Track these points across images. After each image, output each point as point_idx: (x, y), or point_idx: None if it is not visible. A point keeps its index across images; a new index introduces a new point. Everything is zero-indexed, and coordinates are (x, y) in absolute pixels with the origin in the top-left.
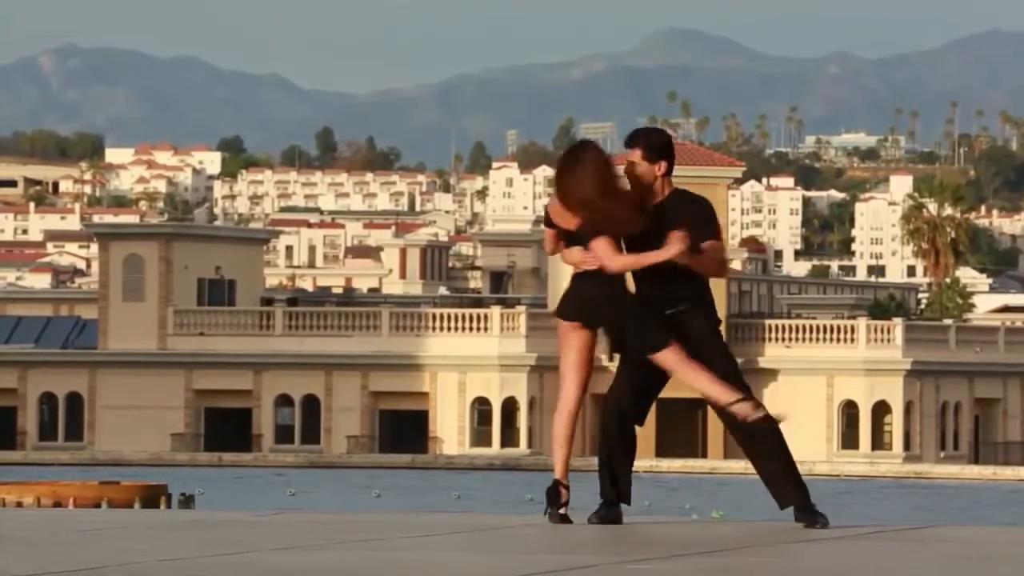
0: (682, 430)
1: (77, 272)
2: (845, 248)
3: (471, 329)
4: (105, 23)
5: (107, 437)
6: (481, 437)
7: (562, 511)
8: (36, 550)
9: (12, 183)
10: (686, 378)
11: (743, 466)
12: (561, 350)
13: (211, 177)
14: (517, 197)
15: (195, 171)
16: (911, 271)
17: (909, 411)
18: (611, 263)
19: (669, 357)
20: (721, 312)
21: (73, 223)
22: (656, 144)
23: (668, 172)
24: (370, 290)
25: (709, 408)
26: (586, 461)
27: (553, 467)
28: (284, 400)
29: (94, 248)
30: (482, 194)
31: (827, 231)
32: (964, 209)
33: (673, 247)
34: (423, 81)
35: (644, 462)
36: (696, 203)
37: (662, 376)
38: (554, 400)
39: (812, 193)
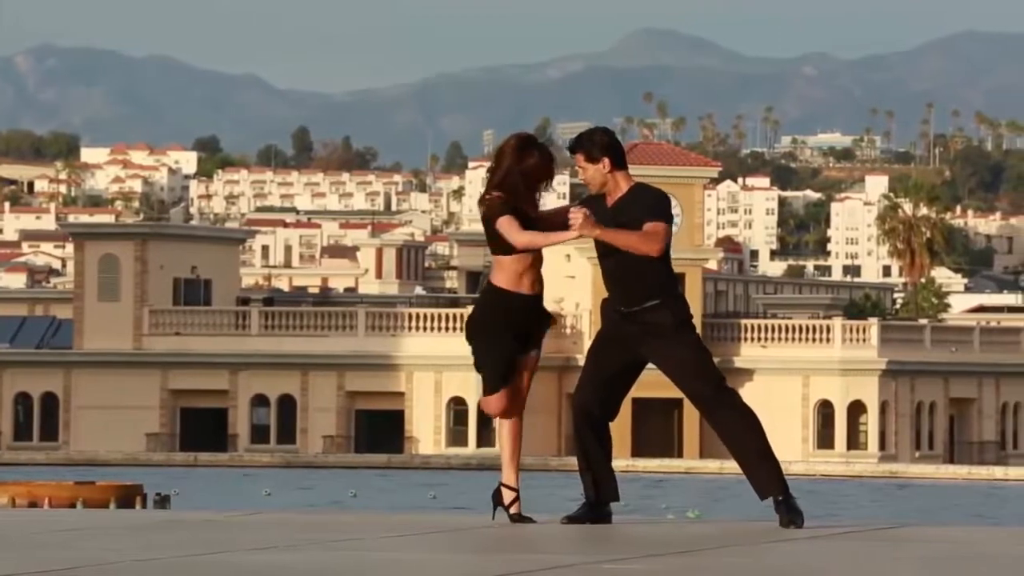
0: (658, 429)
1: (52, 272)
2: (821, 248)
3: (447, 329)
4: (82, 23)
5: (82, 437)
6: (457, 437)
7: (512, 511)
8: (11, 551)
9: None
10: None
11: (719, 466)
12: None
13: (187, 177)
14: None
15: (171, 171)
16: (887, 271)
17: (884, 411)
18: (515, 239)
19: (491, 402)
20: (696, 312)
21: (48, 223)
22: (596, 143)
23: (616, 166)
24: (346, 290)
25: (685, 407)
26: (562, 461)
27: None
28: (260, 400)
29: (69, 248)
30: (458, 194)
31: (803, 231)
32: (939, 209)
33: (573, 228)
34: (399, 81)
35: (620, 462)
36: (648, 194)
37: (629, 374)
38: (530, 400)
39: (788, 193)
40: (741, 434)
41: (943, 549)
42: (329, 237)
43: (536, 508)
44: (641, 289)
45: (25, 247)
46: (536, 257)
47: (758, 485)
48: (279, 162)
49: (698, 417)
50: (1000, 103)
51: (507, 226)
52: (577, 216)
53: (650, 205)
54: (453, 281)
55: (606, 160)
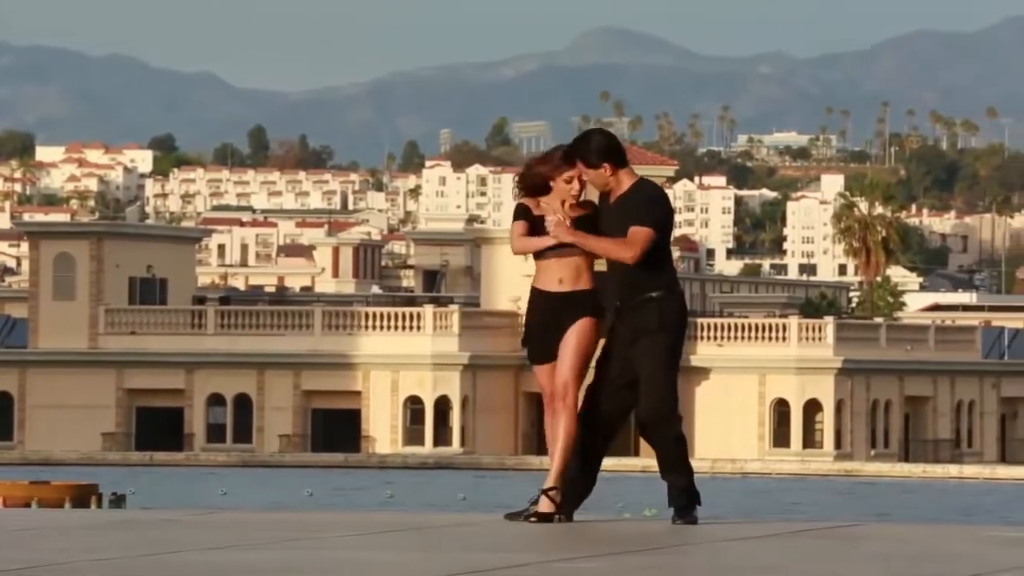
0: None
1: (7, 271)
2: (777, 247)
3: (404, 328)
4: (37, 21)
5: (37, 436)
6: (414, 436)
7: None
8: None
9: None
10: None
11: None
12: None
13: (143, 175)
14: (450, 196)
15: (127, 169)
16: (842, 270)
17: (840, 409)
18: (512, 245)
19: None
20: None
21: (3, 221)
22: (592, 150)
23: (617, 167)
24: (303, 289)
25: None
26: (520, 459)
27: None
28: (216, 399)
29: (24, 247)
30: (415, 193)
31: (759, 230)
32: (895, 208)
33: (550, 234)
34: (356, 80)
35: None
36: (643, 195)
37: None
38: (487, 398)
39: (744, 192)
40: (664, 464)
41: (898, 547)
42: (285, 236)
43: (494, 506)
44: (636, 283)
45: None
46: (576, 255)
47: (670, 496)
48: (235, 161)
49: None
50: (954, 102)
51: (511, 233)
52: (552, 222)
53: (640, 208)
54: (410, 280)
55: (607, 165)
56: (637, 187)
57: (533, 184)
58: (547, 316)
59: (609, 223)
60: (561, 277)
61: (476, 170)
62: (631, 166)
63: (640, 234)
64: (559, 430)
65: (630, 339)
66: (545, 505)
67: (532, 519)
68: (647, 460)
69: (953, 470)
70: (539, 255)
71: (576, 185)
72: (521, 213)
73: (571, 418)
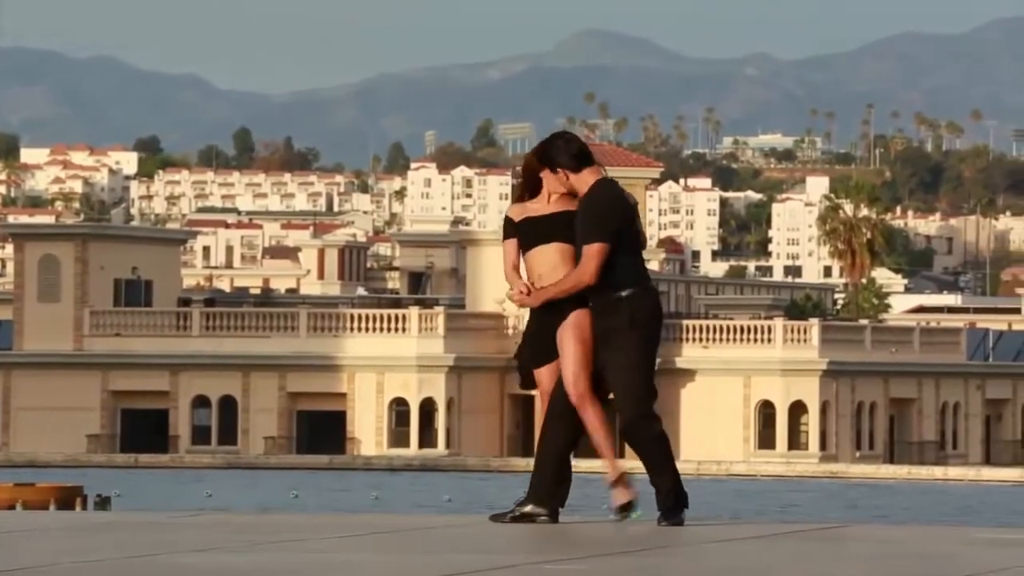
0: None
1: None
2: (762, 249)
3: (389, 330)
4: (22, 22)
5: (22, 438)
6: (399, 438)
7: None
8: None
9: None
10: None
11: None
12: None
13: (128, 177)
14: (435, 198)
15: (111, 171)
16: (827, 271)
17: (825, 411)
18: (504, 268)
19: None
20: None
21: None
22: (553, 156)
23: (576, 171)
24: (288, 291)
25: None
26: (504, 461)
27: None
28: (201, 401)
29: (9, 249)
30: (400, 195)
31: (744, 232)
32: (880, 210)
33: (514, 303)
34: (342, 81)
35: None
36: (593, 204)
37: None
38: (472, 400)
39: (729, 194)
40: (649, 466)
41: (886, 548)
42: (271, 238)
43: (479, 508)
44: (603, 284)
45: None
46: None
47: (658, 499)
48: (220, 163)
49: None
50: (939, 104)
51: (503, 250)
52: (514, 294)
53: (588, 223)
54: (395, 282)
55: (562, 172)
56: (590, 192)
57: (526, 181)
58: (543, 320)
59: (578, 226)
60: (540, 273)
61: (461, 172)
62: (597, 165)
63: (588, 253)
64: (595, 424)
65: (602, 340)
66: (622, 495)
67: (618, 516)
68: (633, 462)
69: (938, 472)
70: (523, 255)
71: (564, 176)
72: (509, 231)
73: (593, 405)
